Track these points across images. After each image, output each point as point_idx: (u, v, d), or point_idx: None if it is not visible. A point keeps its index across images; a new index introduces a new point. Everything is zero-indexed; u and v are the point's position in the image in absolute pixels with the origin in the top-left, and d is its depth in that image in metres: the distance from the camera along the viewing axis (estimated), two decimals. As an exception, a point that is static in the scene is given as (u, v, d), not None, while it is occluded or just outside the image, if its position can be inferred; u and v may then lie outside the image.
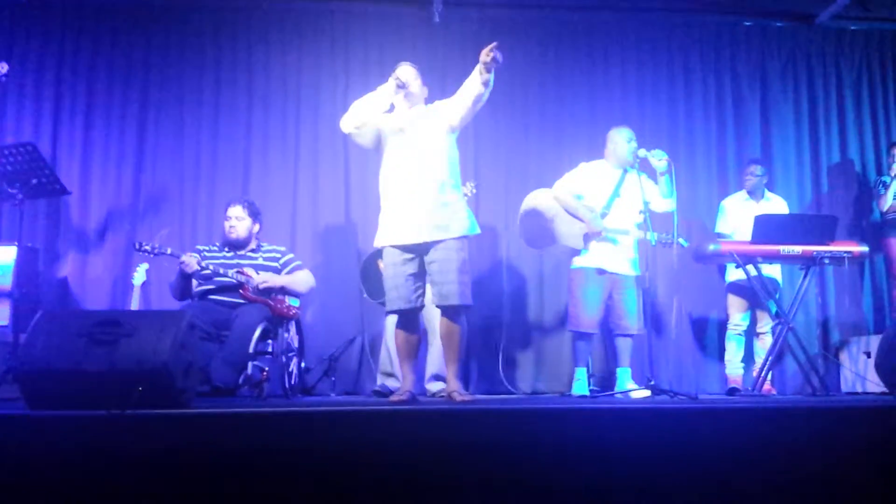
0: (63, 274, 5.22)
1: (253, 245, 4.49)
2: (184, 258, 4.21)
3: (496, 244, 5.49)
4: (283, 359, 4.26)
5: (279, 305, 4.29)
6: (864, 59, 5.99)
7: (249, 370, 4.20)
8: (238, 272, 4.28)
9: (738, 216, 5.06)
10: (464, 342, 3.59)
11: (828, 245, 4.63)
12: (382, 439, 2.06)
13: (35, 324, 2.84)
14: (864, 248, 4.73)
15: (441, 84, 4.77)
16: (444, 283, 3.49)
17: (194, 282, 4.34)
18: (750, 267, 4.67)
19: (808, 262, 4.68)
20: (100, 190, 5.35)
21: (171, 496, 1.89)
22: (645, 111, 5.73)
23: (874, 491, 2.01)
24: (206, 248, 4.51)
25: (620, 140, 4.58)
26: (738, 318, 5.04)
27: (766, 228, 4.62)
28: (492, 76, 3.45)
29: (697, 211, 5.56)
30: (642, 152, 4.36)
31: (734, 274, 4.97)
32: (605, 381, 5.05)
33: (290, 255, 4.58)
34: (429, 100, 3.77)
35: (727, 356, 5.07)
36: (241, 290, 4.26)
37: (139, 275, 4.66)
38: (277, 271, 4.43)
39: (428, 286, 3.64)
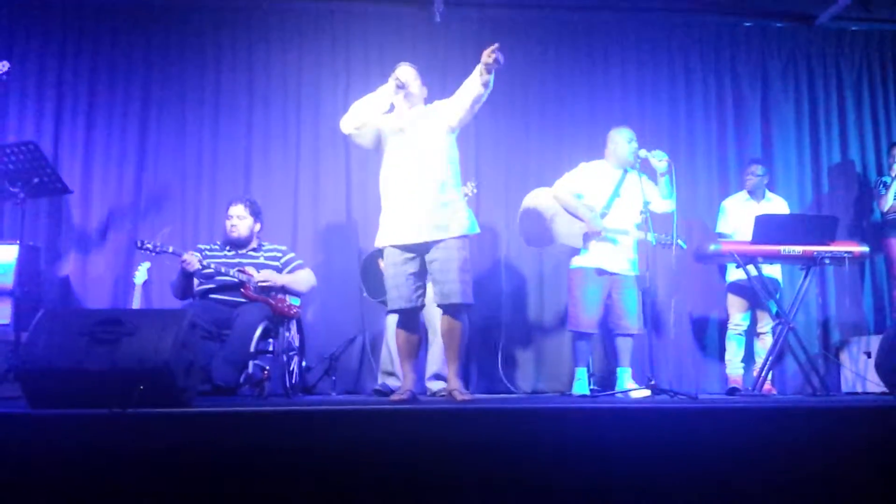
0: (64, 273, 5.23)
1: (254, 244, 4.49)
2: (185, 257, 4.21)
3: (496, 244, 5.50)
4: (284, 358, 4.27)
5: (280, 304, 4.29)
6: (864, 60, 5.99)
7: (250, 369, 4.21)
8: (239, 271, 4.28)
9: (738, 216, 5.06)
10: (465, 341, 3.60)
11: (828, 245, 4.63)
12: (383, 438, 2.07)
13: (36, 323, 2.84)
14: (865, 249, 4.74)
15: (441, 84, 4.76)
16: (446, 281, 3.49)
17: (196, 281, 4.35)
18: (750, 267, 4.67)
19: (809, 262, 4.68)
20: (101, 189, 5.36)
21: (172, 495, 1.90)
22: (645, 111, 5.72)
23: (874, 491, 2.02)
24: (208, 246, 4.51)
25: (621, 140, 4.58)
26: (738, 317, 5.04)
27: (767, 228, 4.62)
28: (492, 77, 3.46)
29: (698, 211, 5.56)
30: (643, 153, 4.37)
31: (735, 274, 4.97)
32: (606, 380, 5.04)
33: (292, 255, 4.58)
34: (429, 100, 3.78)
35: (727, 356, 5.08)
36: (242, 289, 4.27)
37: (140, 274, 4.65)
38: (279, 270, 4.43)
39: (428, 285, 3.65)
